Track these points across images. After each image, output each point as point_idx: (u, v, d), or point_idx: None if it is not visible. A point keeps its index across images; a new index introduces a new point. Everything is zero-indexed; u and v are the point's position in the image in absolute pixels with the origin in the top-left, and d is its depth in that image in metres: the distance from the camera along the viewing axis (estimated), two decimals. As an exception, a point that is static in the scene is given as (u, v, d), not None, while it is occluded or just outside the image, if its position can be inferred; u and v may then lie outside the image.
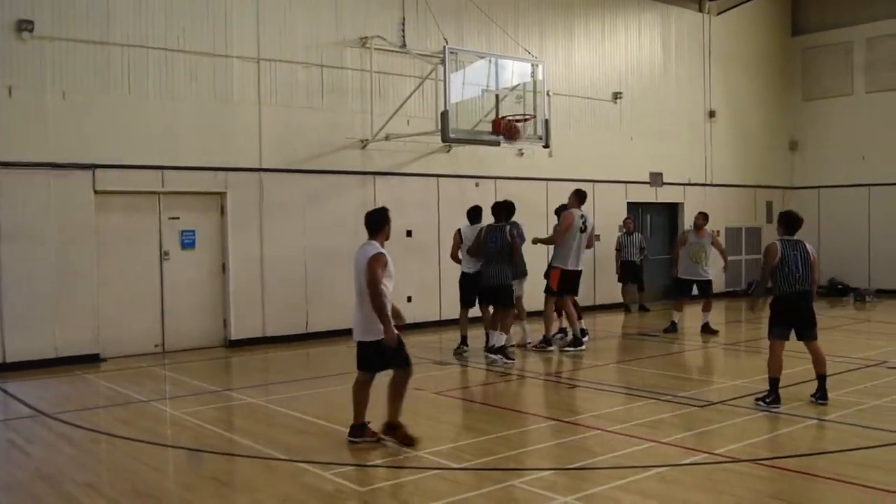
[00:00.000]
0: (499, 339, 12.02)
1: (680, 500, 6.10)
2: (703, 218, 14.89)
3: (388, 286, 7.70)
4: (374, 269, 7.56)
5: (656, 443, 7.50)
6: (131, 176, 12.97)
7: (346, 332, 14.52)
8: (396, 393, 7.64)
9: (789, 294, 8.94)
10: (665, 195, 20.54)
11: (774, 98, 23.54)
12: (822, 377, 9.03)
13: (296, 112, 14.56)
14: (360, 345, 7.76)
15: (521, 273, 12.52)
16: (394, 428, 7.54)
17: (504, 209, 12.39)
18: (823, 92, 23.33)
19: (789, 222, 9.20)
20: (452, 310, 15.34)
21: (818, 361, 9.05)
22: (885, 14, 21.98)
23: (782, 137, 23.71)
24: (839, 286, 21.52)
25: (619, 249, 18.47)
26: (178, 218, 13.62)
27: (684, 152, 21.00)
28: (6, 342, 11.98)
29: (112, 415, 9.25)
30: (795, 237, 9.15)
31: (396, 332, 7.55)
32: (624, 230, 18.58)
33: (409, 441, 7.46)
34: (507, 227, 12.17)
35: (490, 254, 12.11)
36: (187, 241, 13.68)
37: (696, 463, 6.94)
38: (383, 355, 7.60)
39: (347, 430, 7.73)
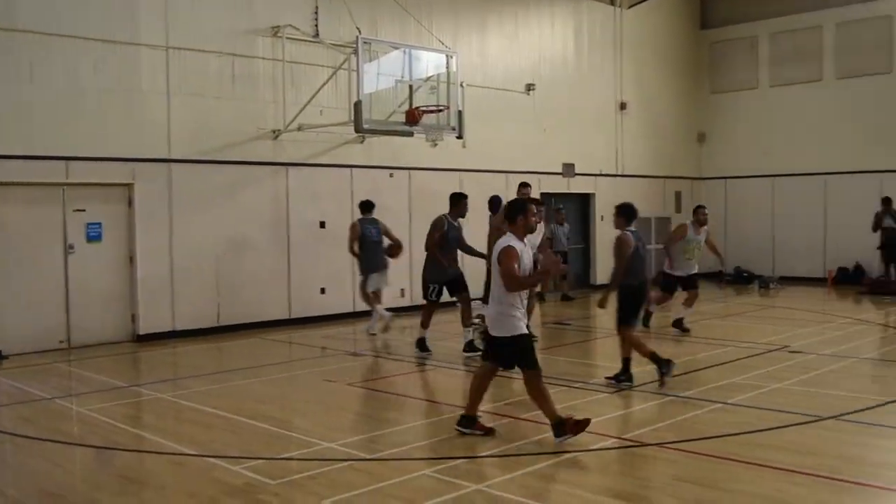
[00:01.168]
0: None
1: (590, 484, 6.23)
2: (705, 214, 13.88)
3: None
4: (506, 265, 7.22)
5: (566, 429, 7.62)
6: (34, 167, 12.58)
7: (259, 326, 14.56)
8: (539, 395, 7.36)
9: (639, 284, 9.54)
10: (577, 186, 20.85)
11: (683, 91, 24.10)
12: (626, 360, 9.60)
13: (206, 102, 14.32)
14: (493, 339, 7.51)
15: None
16: (562, 423, 7.23)
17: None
18: (730, 85, 23.99)
19: (631, 214, 9.72)
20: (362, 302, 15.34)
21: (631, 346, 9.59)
22: (789, 9, 22.71)
23: (691, 129, 24.31)
24: (745, 274, 22.17)
25: (550, 239, 18.61)
26: (83, 210, 13.26)
27: (596, 144, 21.35)
28: None
29: (15, 413, 8.99)
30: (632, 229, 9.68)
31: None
32: (555, 222, 18.76)
33: (582, 427, 7.20)
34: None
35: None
36: (93, 234, 13.34)
37: (606, 448, 7.09)
38: (515, 353, 7.40)
39: (255, 422, 7.67)
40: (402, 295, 16.57)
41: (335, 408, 9.10)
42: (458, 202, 12.25)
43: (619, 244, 9.59)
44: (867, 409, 8.29)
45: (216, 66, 14.45)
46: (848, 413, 8.11)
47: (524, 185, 13.17)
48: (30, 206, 12.68)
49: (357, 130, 14.18)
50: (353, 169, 16.21)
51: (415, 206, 17.02)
